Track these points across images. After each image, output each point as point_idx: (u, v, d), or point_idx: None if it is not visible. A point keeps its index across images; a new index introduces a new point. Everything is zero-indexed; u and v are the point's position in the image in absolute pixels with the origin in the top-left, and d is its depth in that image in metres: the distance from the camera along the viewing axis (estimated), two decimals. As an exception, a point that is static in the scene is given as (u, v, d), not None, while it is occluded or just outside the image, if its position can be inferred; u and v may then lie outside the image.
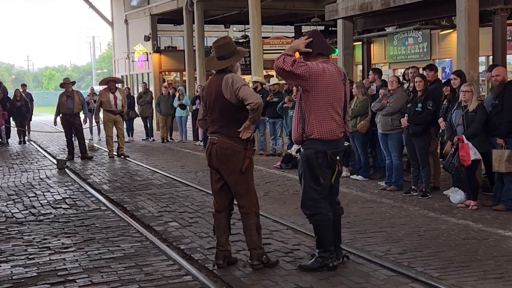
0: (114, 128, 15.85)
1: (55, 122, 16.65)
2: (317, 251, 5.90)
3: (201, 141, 17.86)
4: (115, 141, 16.08)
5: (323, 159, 5.65)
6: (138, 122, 21.68)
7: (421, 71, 10.92)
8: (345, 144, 5.87)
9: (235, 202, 6.06)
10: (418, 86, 9.38)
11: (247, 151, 5.83)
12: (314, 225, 5.90)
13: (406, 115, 9.44)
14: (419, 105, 9.30)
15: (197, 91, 18.74)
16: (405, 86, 11.26)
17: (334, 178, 5.77)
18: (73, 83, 16.11)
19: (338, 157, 5.69)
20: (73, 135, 15.97)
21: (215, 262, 6.00)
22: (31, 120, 22.56)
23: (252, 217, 5.90)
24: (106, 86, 15.92)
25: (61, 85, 15.92)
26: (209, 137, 6.02)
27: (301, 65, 5.56)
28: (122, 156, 15.69)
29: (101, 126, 22.61)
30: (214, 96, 5.85)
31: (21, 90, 21.67)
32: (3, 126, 20.33)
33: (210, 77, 6.25)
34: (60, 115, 15.72)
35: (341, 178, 6.24)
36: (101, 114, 16.27)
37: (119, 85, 16.67)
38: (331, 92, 5.63)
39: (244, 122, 5.79)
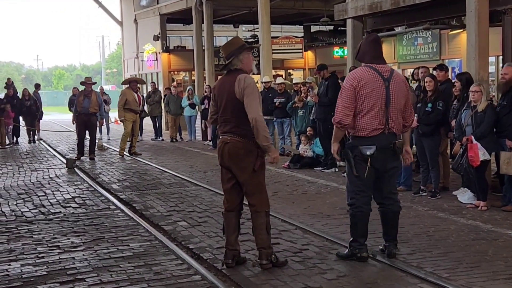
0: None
1: (73, 121, 16.58)
2: (350, 240, 6.19)
3: (210, 140, 17.87)
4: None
5: (356, 153, 6.00)
6: (147, 122, 21.73)
7: (431, 71, 10.87)
8: (395, 141, 6.09)
9: (245, 201, 6.06)
10: (428, 86, 9.35)
11: (260, 150, 5.85)
12: (350, 214, 6.19)
13: (416, 115, 9.41)
14: (429, 105, 9.27)
15: (205, 91, 18.76)
16: (414, 86, 11.23)
17: (367, 173, 5.97)
18: (94, 83, 16.18)
19: (369, 152, 5.94)
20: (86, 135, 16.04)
21: (224, 261, 6.01)
22: (41, 119, 22.67)
23: (262, 216, 5.90)
24: (128, 86, 16.38)
25: (82, 83, 16.05)
26: (221, 136, 6.02)
27: (345, 113, 5.92)
28: (134, 155, 15.86)
29: (111, 126, 22.76)
30: (227, 96, 5.85)
31: (33, 90, 21.88)
32: (11, 126, 20.44)
33: (220, 77, 6.25)
34: (77, 114, 15.79)
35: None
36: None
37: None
38: (365, 97, 5.90)
39: None
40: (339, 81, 12.71)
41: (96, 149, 16.58)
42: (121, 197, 10.13)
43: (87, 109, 15.32)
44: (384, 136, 5.99)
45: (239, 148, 5.82)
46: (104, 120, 17.54)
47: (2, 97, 20.80)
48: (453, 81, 10.34)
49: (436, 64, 12.03)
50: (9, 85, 21.22)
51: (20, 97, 21.00)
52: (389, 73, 6.04)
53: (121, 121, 16.44)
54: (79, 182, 11.83)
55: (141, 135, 21.07)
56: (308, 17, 26.05)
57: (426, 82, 9.40)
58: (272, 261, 5.91)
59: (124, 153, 16.06)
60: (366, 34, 6.50)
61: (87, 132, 15.79)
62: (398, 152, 6.16)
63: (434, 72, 10.18)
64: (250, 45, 6.34)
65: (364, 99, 5.90)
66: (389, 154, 6.06)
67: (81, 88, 16.76)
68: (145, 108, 21.23)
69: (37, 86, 23.19)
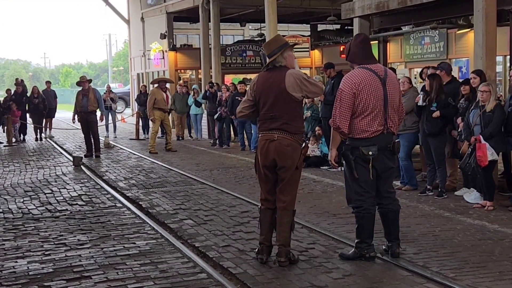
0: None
1: (73, 120, 16.72)
2: (355, 241, 6.13)
3: (216, 139, 17.82)
4: (160, 137, 17.53)
5: (357, 155, 5.94)
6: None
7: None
8: (394, 141, 6.08)
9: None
10: (427, 86, 9.36)
11: (303, 148, 5.94)
12: (356, 216, 6.12)
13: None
14: (434, 104, 9.23)
15: (207, 88, 18.78)
16: (422, 85, 11.18)
17: (371, 174, 5.95)
18: (89, 81, 16.17)
19: (371, 153, 5.88)
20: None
21: (258, 256, 6.06)
22: (54, 116, 22.78)
23: (289, 215, 5.98)
24: (157, 85, 16.94)
25: (77, 84, 16.03)
26: (264, 134, 5.98)
27: (345, 118, 5.90)
28: (170, 151, 16.38)
29: (117, 124, 22.81)
30: (276, 92, 5.86)
31: (45, 87, 22.02)
32: (18, 124, 20.50)
33: (260, 73, 6.16)
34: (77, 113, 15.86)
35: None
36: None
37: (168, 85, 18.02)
38: (366, 100, 5.87)
39: (302, 118, 6.08)
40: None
41: (102, 146, 16.60)
42: (127, 195, 10.15)
43: (86, 107, 15.45)
44: (384, 136, 5.98)
45: (286, 145, 5.86)
46: (104, 115, 17.73)
47: (11, 93, 20.87)
48: (460, 80, 10.29)
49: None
50: (19, 82, 21.32)
51: (28, 95, 21.09)
52: (384, 73, 6.02)
53: (151, 120, 16.75)
54: (86, 180, 11.86)
55: (148, 133, 21.08)
56: (315, 16, 26.03)
57: (426, 82, 9.41)
58: (290, 259, 5.95)
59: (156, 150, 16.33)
60: (354, 36, 6.41)
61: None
62: (396, 152, 6.17)
63: (437, 71, 10.10)
64: (292, 44, 6.42)
65: (364, 102, 5.87)
66: (388, 154, 6.04)
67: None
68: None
69: (48, 83, 23.41)
